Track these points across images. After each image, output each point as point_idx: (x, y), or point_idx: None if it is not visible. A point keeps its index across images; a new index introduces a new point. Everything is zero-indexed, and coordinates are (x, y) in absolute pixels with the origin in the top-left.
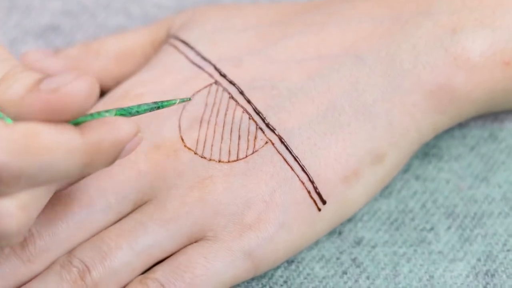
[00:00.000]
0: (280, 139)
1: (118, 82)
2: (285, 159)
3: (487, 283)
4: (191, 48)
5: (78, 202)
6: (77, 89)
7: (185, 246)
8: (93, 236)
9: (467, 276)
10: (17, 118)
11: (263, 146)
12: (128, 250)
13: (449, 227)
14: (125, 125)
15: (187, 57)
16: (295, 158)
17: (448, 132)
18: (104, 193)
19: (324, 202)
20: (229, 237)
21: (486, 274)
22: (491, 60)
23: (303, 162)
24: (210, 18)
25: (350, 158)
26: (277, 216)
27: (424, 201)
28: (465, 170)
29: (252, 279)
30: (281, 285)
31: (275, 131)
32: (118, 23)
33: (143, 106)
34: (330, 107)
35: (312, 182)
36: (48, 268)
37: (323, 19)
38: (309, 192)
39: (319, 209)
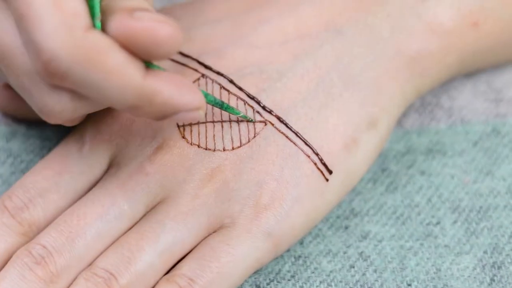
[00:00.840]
0: (279, 118)
1: None
2: (287, 137)
3: (494, 275)
4: None
5: (91, 213)
6: (161, 28)
7: (204, 238)
8: (112, 244)
9: (474, 269)
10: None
11: (263, 128)
12: (150, 251)
13: (455, 221)
14: (189, 94)
15: None
16: (297, 134)
17: (451, 128)
18: (116, 201)
19: (330, 172)
20: (247, 220)
21: (492, 266)
22: (461, 23)
23: (304, 137)
24: (180, 16)
25: (348, 126)
26: (290, 191)
27: (429, 196)
28: (469, 165)
29: (260, 274)
30: (289, 280)
31: (272, 112)
32: None
33: (210, 97)
34: (320, 82)
35: (317, 154)
36: (72, 284)
37: (295, 0)
38: (315, 164)
39: (327, 180)
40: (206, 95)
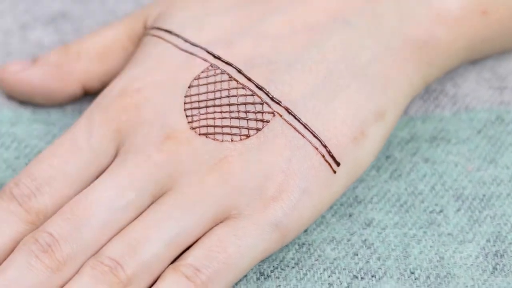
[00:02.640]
0: (287, 110)
1: (102, 81)
2: (295, 128)
3: (497, 264)
4: (177, 35)
5: (98, 202)
6: None
7: (211, 228)
8: (118, 233)
9: (477, 257)
10: None
11: (271, 120)
12: (156, 241)
13: (458, 209)
14: None
15: (175, 45)
16: (305, 126)
17: (455, 115)
18: (122, 190)
19: (338, 164)
20: (254, 211)
21: (495, 254)
22: (470, 11)
23: (312, 129)
24: (189, 4)
25: (356, 118)
26: (297, 183)
27: (433, 184)
28: (473, 153)
29: (264, 261)
30: (293, 267)
31: (280, 103)
32: (128, 9)
33: None
34: (328, 74)
35: (325, 146)
36: (78, 272)
37: None
38: (323, 156)
39: (334, 172)
40: None
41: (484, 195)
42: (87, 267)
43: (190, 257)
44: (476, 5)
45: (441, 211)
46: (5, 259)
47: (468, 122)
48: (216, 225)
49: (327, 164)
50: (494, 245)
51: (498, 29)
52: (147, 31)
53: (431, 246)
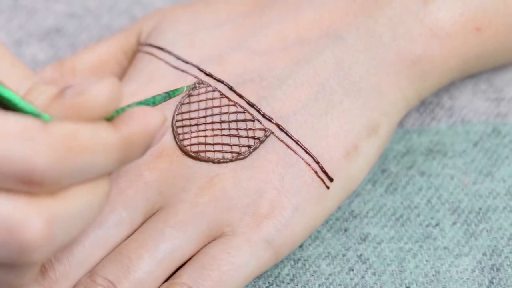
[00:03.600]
0: (278, 126)
1: None
2: (287, 145)
3: (493, 278)
4: (169, 52)
5: None
6: (100, 89)
7: (204, 246)
8: (110, 252)
9: (473, 271)
10: None
11: (262, 137)
12: (149, 260)
13: (454, 223)
14: (154, 115)
15: (167, 62)
16: (297, 142)
17: (451, 128)
18: (114, 208)
19: (331, 180)
20: (247, 229)
21: (491, 268)
22: (464, 27)
23: (304, 145)
24: (180, 20)
25: (348, 134)
26: (290, 200)
27: (429, 197)
28: (469, 166)
29: (259, 277)
30: (288, 283)
31: (272, 120)
32: (122, 25)
33: (157, 97)
34: (321, 89)
35: (318, 162)
36: None
37: (295, 5)
38: (316, 172)
39: (328, 187)
40: (153, 99)
41: (480, 209)
42: (80, 287)
43: (184, 276)
44: (469, 21)
45: (437, 224)
46: None
47: (464, 135)
48: (209, 242)
49: (320, 180)
50: (491, 259)
51: (492, 45)
52: (140, 47)
53: (426, 260)
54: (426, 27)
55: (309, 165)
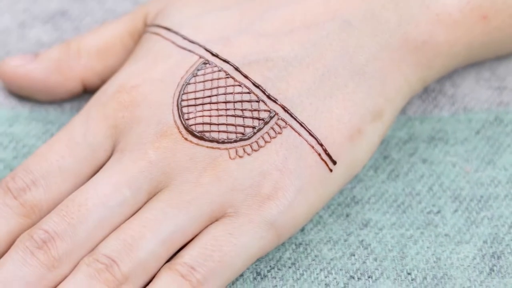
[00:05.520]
0: (283, 108)
1: (102, 78)
2: (291, 127)
3: (494, 265)
4: (176, 33)
5: (94, 199)
6: None
7: (206, 227)
8: (113, 231)
9: (474, 258)
10: None
11: (267, 118)
12: (152, 239)
13: (455, 210)
14: None
15: (173, 42)
16: (301, 124)
17: (453, 116)
18: (118, 188)
19: (334, 163)
20: (250, 210)
21: (492, 256)
22: (470, 15)
23: (309, 127)
24: (187, 2)
25: (353, 117)
26: (293, 182)
27: (430, 184)
28: (471, 153)
29: (260, 261)
30: (289, 267)
31: (277, 101)
32: (126, 8)
33: None
34: (326, 72)
35: (321, 145)
36: (74, 269)
37: None
38: (319, 155)
39: (331, 170)
40: None
41: (481, 196)
42: (82, 265)
43: (185, 256)
44: (476, 9)
45: (438, 212)
46: (0, 252)
47: (466, 123)
48: (212, 223)
49: (323, 163)
50: (491, 247)
51: (498, 34)
52: (146, 28)
53: (428, 247)
54: (432, 13)
55: (313, 147)
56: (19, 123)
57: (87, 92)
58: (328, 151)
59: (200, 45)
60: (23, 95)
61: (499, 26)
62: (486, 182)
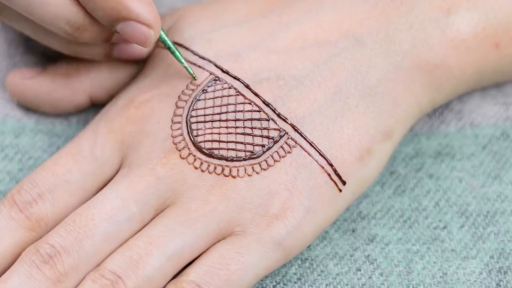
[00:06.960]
0: (293, 127)
1: (110, 92)
2: (301, 146)
3: (500, 280)
4: (186, 48)
5: (100, 214)
6: None
7: (213, 244)
8: (120, 246)
9: (480, 273)
10: None
11: (277, 137)
12: (159, 256)
13: (462, 225)
14: (142, 4)
15: (184, 58)
16: (311, 144)
17: (460, 131)
18: (125, 203)
19: (344, 183)
20: (258, 229)
21: (499, 271)
22: (484, 42)
23: (319, 147)
24: (199, 18)
25: (363, 137)
26: (302, 202)
27: (437, 200)
28: (478, 169)
29: (266, 276)
30: (295, 282)
31: (287, 120)
32: None
33: (164, 34)
34: (337, 91)
35: (331, 165)
36: (79, 285)
37: (316, 5)
38: (329, 175)
39: (340, 190)
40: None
41: (488, 212)
42: (88, 280)
43: (192, 273)
44: (489, 36)
45: (445, 227)
46: (5, 264)
47: (473, 138)
48: (219, 241)
49: (332, 183)
50: (498, 262)
51: (510, 62)
52: (157, 43)
53: (434, 262)
54: (446, 37)
55: (323, 167)
56: (25, 135)
57: (93, 106)
58: (338, 171)
59: (211, 61)
60: (30, 108)
61: (511, 53)
62: (493, 197)
